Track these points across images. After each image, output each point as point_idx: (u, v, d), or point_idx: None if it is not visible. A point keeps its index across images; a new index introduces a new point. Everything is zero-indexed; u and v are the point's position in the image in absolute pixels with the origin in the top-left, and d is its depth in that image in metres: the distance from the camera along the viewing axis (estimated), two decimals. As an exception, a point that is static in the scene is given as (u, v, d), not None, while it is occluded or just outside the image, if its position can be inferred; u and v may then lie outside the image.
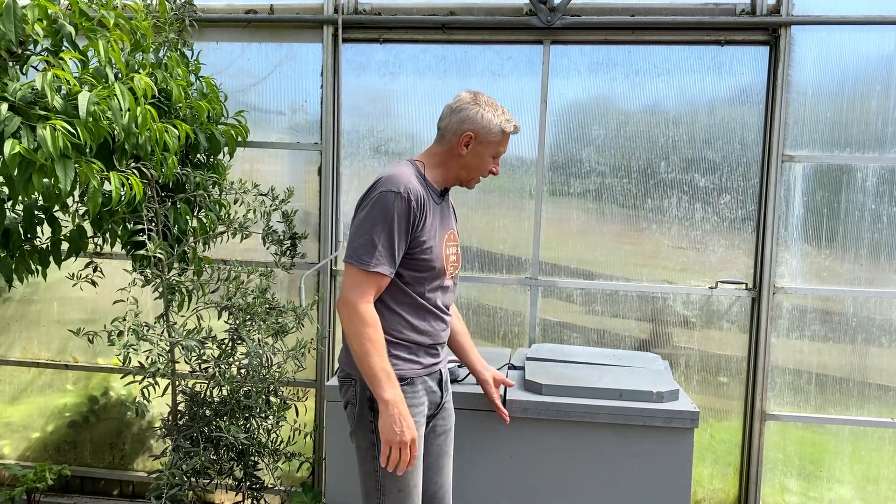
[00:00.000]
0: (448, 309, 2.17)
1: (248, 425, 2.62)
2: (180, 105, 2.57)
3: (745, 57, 3.17)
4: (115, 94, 2.11)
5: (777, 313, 3.23)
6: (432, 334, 2.08)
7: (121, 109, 2.16)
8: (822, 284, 3.21)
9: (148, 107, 2.29)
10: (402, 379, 1.98)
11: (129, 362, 2.49)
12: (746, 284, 3.24)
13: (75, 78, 2.18)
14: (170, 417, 2.77)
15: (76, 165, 2.10)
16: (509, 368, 2.83)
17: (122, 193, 2.22)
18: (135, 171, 2.29)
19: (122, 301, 2.49)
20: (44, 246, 2.79)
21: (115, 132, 2.21)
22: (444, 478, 2.22)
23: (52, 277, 2.84)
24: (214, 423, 2.55)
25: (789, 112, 3.15)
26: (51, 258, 2.78)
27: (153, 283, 2.68)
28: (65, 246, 2.79)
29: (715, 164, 3.23)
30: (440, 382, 2.15)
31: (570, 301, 3.36)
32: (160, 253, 2.45)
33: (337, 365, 2.24)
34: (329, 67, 3.33)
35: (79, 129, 2.05)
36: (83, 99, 2.06)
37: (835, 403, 3.26)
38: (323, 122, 3.36)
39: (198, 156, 3.02)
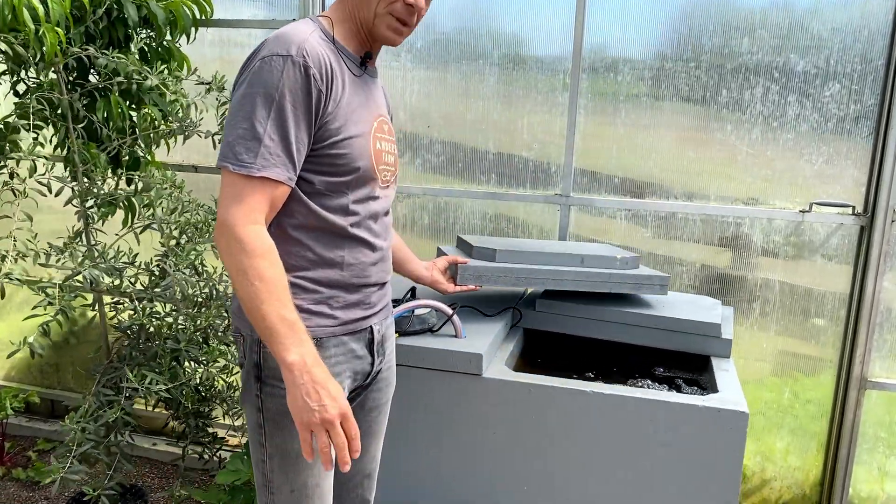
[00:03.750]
0: (384, 233, 1.51)
1: (177, 371, 2.12)
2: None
3: None
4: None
5: None
6: (356, 270, 1.44)
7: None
8: (967, 210, 2.32)
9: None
10: None
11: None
12: (854, 208, 2.38)
13: None
14: (101, 357, 2.32)
15: None
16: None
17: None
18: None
19: (8, 217, 1.99)
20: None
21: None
22: (365, 462, 1.64)
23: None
24: (124, 370, 2.06)
25: (940, -40, 2.18)
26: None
27: (72, 193, 2.17)
28: None
29: (821, 40, 2.32)
30: (371, 344, 1.51)
31: (613, 218, 2.61)
32: (38, 157, 1.91)
33: None
34: (307, -81, 2.61)
35: None
36: None
37: (968, 370, 2.42)
38: (302, -9, 2.68)
39: (141, 36, 2.43)
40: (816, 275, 2.46)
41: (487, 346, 1.90)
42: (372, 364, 1.52)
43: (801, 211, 2.42)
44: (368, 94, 1.44)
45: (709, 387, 1.93)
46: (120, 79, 2.12)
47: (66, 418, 2.04)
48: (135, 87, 2.17)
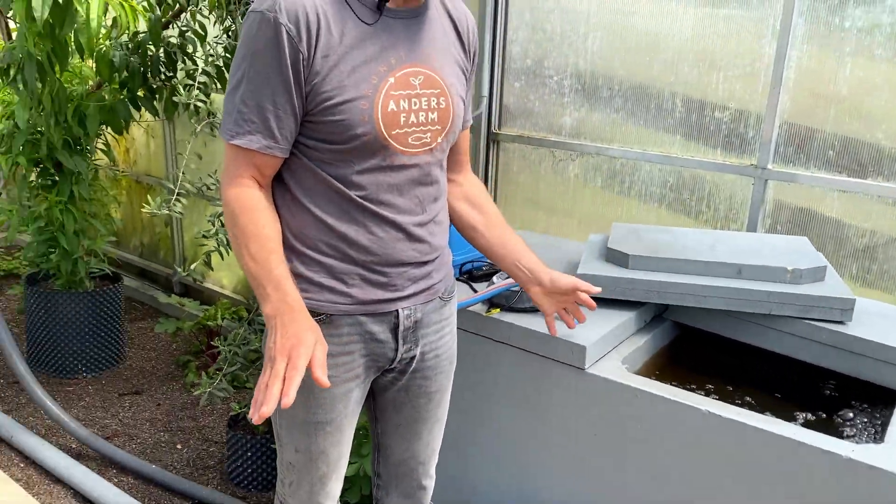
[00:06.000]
0: (416, 208, 1.35)
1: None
2: None
3: None
4: None
5: None
6: (374, 248, 1.32)
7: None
8: None
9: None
10: (313, 314, 1.31)
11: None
12: None
13: None
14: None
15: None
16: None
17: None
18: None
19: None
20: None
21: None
22: (419, 445, 1.57)
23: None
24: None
25: None
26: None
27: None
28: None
29: None
30: (396, 329, 1.38)
31: (821, 199, 2.12)
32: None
33: None
34: None
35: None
36: None
37: None
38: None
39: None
40: None
41: (600, 337, 1.67)
42: (396, 350, 1.41)
43: None
44: (389, 43, 1.25)
45: (880, 432, 1.50)
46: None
47: (216, 339, 2.25)
48: None
